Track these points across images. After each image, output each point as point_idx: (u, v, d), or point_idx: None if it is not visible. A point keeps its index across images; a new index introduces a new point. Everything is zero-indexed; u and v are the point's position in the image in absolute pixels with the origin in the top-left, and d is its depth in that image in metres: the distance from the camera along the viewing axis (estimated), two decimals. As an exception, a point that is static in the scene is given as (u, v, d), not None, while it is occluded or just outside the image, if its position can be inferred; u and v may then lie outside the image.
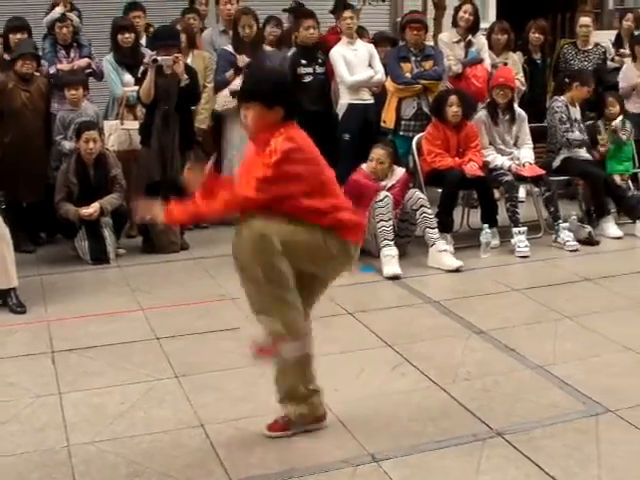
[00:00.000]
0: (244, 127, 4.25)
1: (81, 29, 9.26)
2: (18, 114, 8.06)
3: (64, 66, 8.75)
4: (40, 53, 8.56)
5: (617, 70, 9.88)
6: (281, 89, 4.18)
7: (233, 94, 7.88)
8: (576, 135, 8.52)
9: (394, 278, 7.14)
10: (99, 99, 9.34)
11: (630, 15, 10.65)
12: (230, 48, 8.75)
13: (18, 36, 8.44)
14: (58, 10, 8.97)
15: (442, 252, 7.42)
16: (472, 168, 7.89)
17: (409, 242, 7.81)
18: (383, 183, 7.62)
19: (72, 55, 8.89)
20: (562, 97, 8.70)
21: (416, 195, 7.58)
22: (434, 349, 5.57)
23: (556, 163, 8.61)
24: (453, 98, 8.06)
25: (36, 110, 8.18)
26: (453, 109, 8.02)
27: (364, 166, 7.69)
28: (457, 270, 7.29)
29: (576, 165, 8.53)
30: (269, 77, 4.39)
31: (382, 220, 7.34)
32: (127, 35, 8.57)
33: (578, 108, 8.74)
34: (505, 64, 9.27)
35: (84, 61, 8.86)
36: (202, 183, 4.14)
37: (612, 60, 10.18)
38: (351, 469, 4.07)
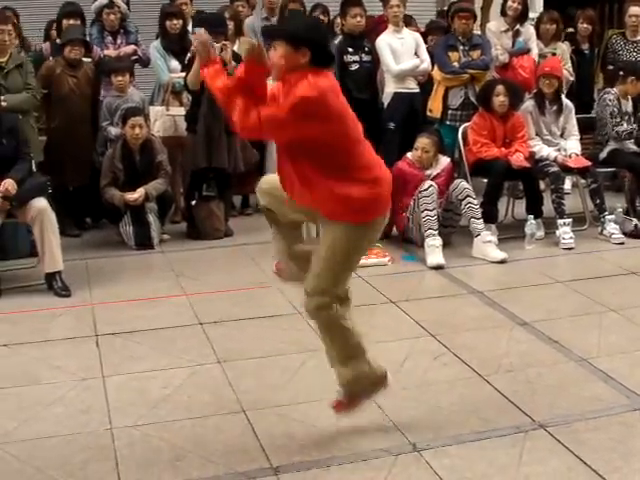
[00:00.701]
0: (270, 67, 3.97)
1: (128, 15, 9.31)
2: (65, 99, 8.13)
3: (110, 52, 8.82)
4: (87, 39, 8.60)
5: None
6: (308, 30, 3.94)
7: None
8: (624, 127, 8.41)
9: (438, 268, 7.12)
10: (143, 85, 9.39)
11: (682, 5, 10.47)
12: (276, 35, 8.73)
13: (71, 22, 8.48)
14: (106, -4, 9.03)
15: (487, 243, 7.38)
16: (518, 159, 7.82)
17: (453, 232, 7.79)
18: (428, 172, 7.61)
19: (119, 41, 8.96)
20: (614, 89, 8.58)
21: (462, 185, 7.55)
22: (477, 340, 5.55)
23: (603, 155, 8.51)
24: (500, 88, 8.00)
25: (83, 96, 8.23)
26: (500, 99, 7.97)
27: (409, 155, 7.68)
28: (502, 262, 7.26)
29: (623, 157, 8.44)
30: (298, 18, 4.16)
31: (427, 210, 7.32)
32: (175, 21, 8.58)
33: (630, 101, 8.58)
34: (554, 54, 9.20)
35: (130, 48, 8.92)
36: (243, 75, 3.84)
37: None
38: (392, 458, 4.06)
